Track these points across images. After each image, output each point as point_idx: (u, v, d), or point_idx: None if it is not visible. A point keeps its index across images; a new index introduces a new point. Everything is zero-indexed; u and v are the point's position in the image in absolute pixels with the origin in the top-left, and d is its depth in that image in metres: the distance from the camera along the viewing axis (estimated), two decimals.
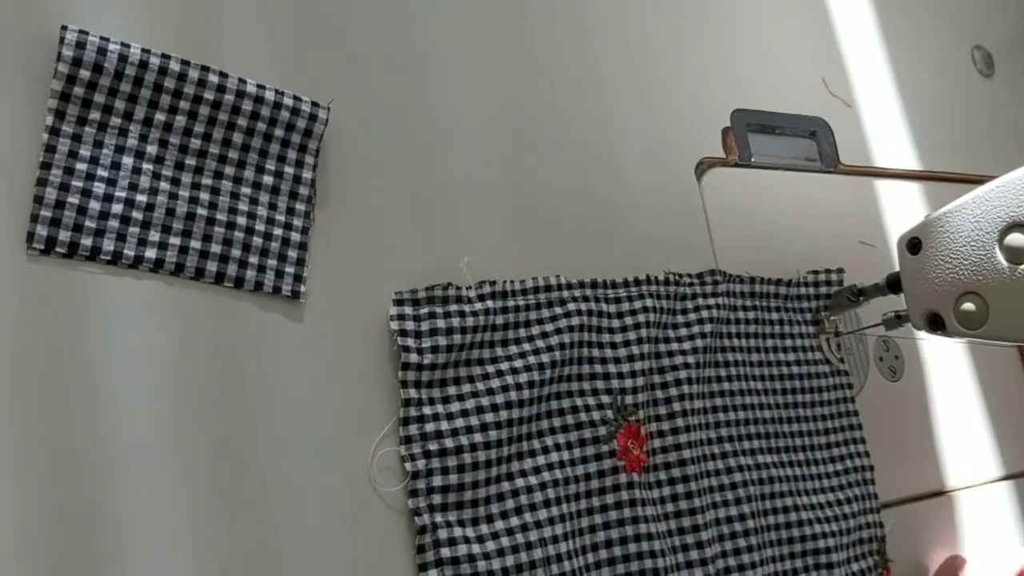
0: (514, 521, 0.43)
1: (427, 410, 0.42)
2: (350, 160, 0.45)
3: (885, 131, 0.67)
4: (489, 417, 0.43)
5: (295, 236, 0.42)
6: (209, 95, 0.41)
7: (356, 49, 0.47)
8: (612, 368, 0.48)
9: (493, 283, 0.46)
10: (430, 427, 0.42)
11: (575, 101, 0.53)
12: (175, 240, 0.40)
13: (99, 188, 0.38)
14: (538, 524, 0.43)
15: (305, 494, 0.39)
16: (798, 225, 0.55)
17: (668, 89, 0.57)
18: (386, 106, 0.47)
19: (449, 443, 0.42)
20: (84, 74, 0.38)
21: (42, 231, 0.37)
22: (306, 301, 0.42)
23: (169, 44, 0.41)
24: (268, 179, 0.43)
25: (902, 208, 0.65)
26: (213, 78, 0.41)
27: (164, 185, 0.40)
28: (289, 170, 0.43)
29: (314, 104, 0.43)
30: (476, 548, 0.41)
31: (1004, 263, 0.41)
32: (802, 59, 0.65)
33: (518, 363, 0.45)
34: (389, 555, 0.41)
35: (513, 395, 0.44)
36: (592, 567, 0.45)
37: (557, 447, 0.45)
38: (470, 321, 0.44)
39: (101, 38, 0.39)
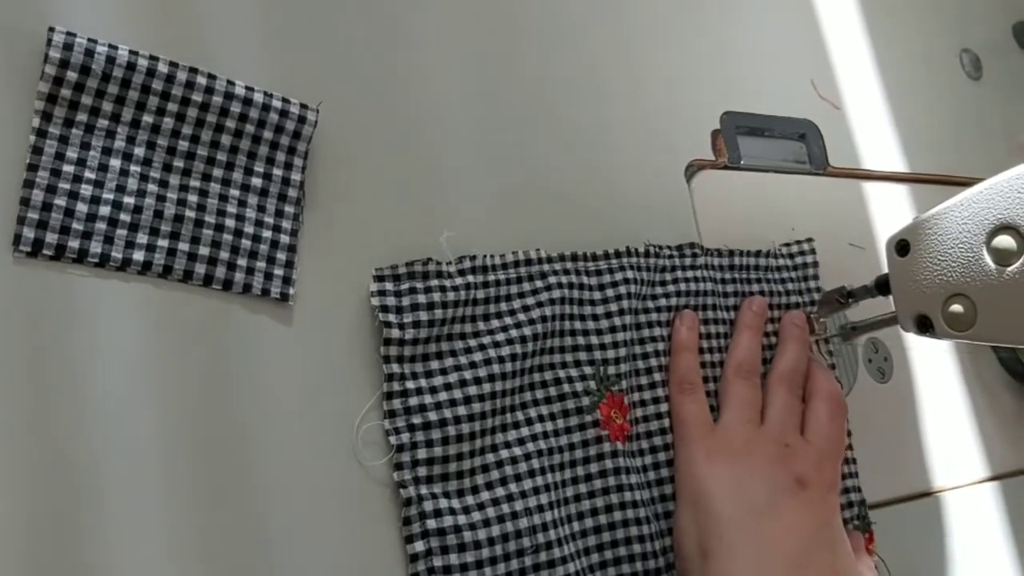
0: (499, 492, 0.43)
1: (410, 384, 0.43)
2: (336, 158, 0.45)
3: (874, 134, 0.67)
4: (472, 390, 0.43)
5: (284, 238, 0.42)
6: (197, 97, 0.40)
7: (342, 36, 0.47)
8: (594, 339, 0.48)
9: (473, 258, 0.46)
10: (413, 401, 0.42)
11: (563, 103, 0.53)
12: (163, 242, 0.39)
13: (86, 190, 0.38)
14: (523, 494, 0.43)
15: (294, 495, 0.39)
16: (788, 227, 0.55)
17: (657, 92, 0.57)
18: (375, 106, 0.47)
19: (433, 416, 0.42)
20: (71, 76, 0.38)
21: (29, 233, 0.37)
22: (295, 303, 0.42)
23: (157, 46, 0.40)
24: (256, 181, 0.42)
25: (891, 210, 0.65)
26: (201, 80, 0.40)
27: (152, 187, 0.40)
28: (277, 172, 0.43)
29: (303, 106, 0.43)
30: (462, 519, 0.41)
31: (992, 265, 0.42)
32: (791, 62, 0.65)
33: (500, 337, 0.45)
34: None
35: (496, 368, 0.44)
36: (578, 535, 0.45)
37: (541, 418, 0.46)
38: (451, 296, 0.44)
39: (89, 40, 0.38)
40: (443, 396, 0.43)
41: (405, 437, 0.42)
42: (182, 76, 0.40)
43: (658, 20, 0.59)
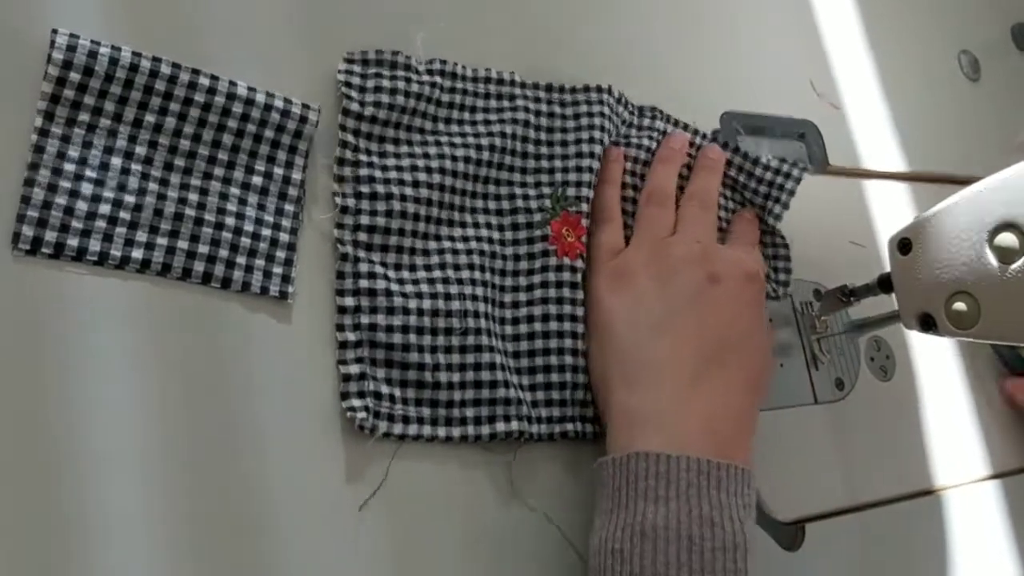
0: (436, 274, 0.43)
1: (363, 157, 0.43)
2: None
3: (874, 133, 0.67)
4: (422, 176, 0.44)
5: (283, 236, 0.42)
6: (199, 97, 0.40)
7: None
8: (558, 163, 0.48)
9: (444, 62, 0.47)
10: (364, 172, 0.43)
11: None
12: (162, 240, 0.39)
13: (87, 189, 0.38)
14: (459, 281, 0.43)
15: (289, 493, 0.39)
16: (788, 226, 0.55)
17: (657, 92, 0.57)
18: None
19: (381, 189, 0.43)
20: (74, 76, 0.38)
21: (28, 231, 0.37)
22: (294, 301, 0.42)
23: (159, 47, 0.40)
24: (257, 180, 0.42)
25: (892, 209, 0.65)
26: (204, 80, 0.40)
27: (152, 186, 0.40)
28: (278, 171, 0.43)
29: (304, 106, 0.43)
30: (395, 287, 0.42)
31: (994, 263, 0.42)
32: (790, 62, 0.65)
33: (457, 140, 0.46)
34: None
35: (448, 164, 0.44)
36: (509, 338, 0.45)
37: (488, 226, 0.46)
38: (415, 88, 0.45)
39: (92, 42, 0.38)
40: (393, 175, 0.43)
41: (351, 201, 0.42)
42: (184, 77, 0.40)
43: (657, 20, 0.59)
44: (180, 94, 0.40)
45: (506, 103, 0.48)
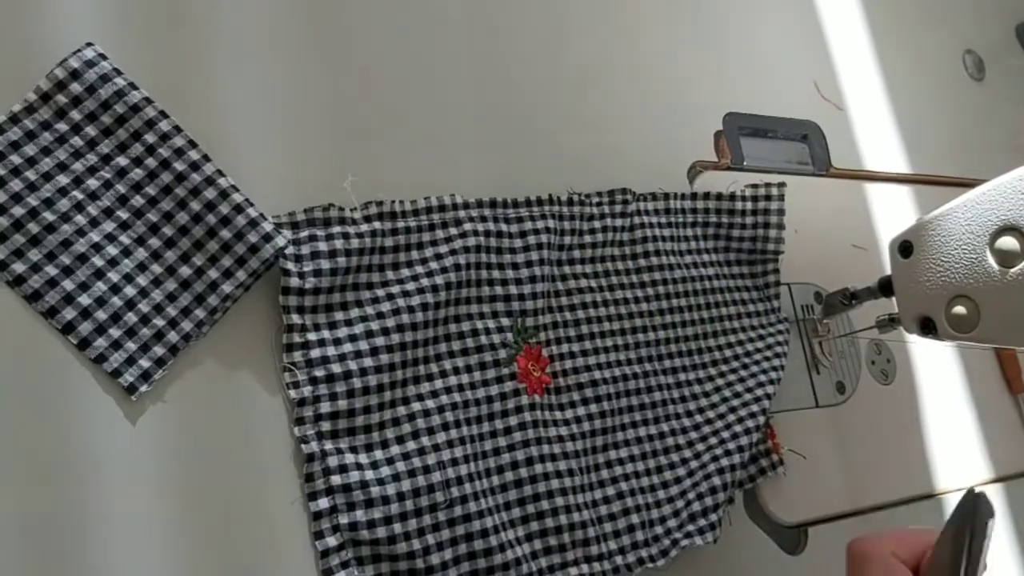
0: (411, 445, 0.41)
1: (312, 336, 0.41)
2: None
3: (877, 135, 0.67)
4: (380, 341, 0.41)
5: (173, 336, 0.38)
6: (179, 166, 0.39)
7: None
8: (513, 289, 0.46)
9: (380, 203, 0.44)
10: (315, 353, 0.40)
11: (566, 104, 0.53)
12: (51, 270, 0.36)
13: (15, 185, 0.36)
14: (436, 448, 0.41)
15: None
16: (790, 228, 0.55)
17: (660, 93, 0.57)
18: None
19: (337, 368, 0.40)
20: (75, 87, 0.38)
21: None
22: (137, 400, 0.37)
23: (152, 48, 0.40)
24: (185, 270, 0.39)
25: (894, 211, 0.65)
26: (193, 154, 0.39)
27: (79, 218, 0.37)
28: (212, 273, 0.39)
29: (276, 227, 0.40)
30: (369, 474, 0.40)
31: (995, 266, 0.42)
32: (794, 63, 0.65)
33: (410, 286, 0.43)
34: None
35: (406, 318, 0.42)
36: (498, 490, 0.43)
37: (456, 370, 0.44)
38: (355, 243, 0.42)
39: (114, 68, 0.38)
40: (348, 348, 0.41)
41: (307, 391, 0.40)
42: (177, 141, 0.39)
43: (661, 22, 0.59)
44: (163, 153, 0.39)
45: (453, 230, 0.45)
